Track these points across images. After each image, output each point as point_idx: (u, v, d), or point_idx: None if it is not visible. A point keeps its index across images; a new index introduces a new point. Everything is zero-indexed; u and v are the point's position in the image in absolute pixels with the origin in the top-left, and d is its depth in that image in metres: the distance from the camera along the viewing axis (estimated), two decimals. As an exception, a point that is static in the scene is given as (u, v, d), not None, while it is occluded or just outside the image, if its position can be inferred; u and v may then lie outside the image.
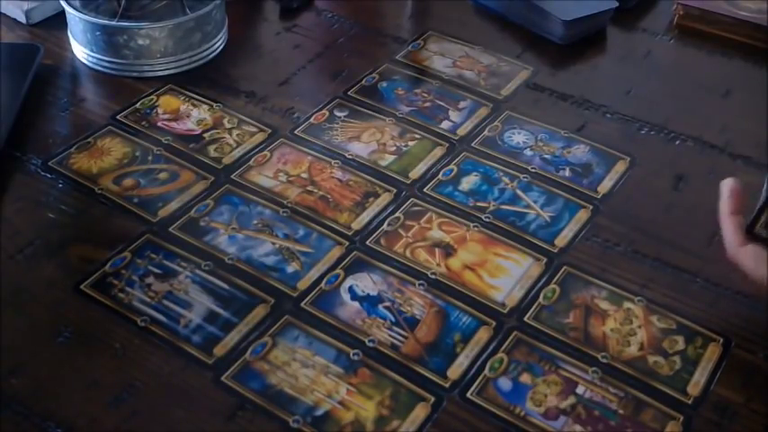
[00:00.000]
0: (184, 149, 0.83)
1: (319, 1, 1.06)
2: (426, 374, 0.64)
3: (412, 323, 0.67)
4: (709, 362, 0.65)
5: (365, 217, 0.76)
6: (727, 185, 0.66)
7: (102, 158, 0.81)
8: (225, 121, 0.86)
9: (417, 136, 0.85)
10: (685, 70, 0.98)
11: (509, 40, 1.01)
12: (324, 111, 0.88)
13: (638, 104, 0.91)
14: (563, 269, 0.72)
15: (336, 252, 0.73)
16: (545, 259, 0.73)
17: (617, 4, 1.01)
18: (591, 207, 0.78)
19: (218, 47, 0.95)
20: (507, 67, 0.96)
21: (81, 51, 0.93)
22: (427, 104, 0.90)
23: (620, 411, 0.62)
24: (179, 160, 0.81)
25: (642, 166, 0.83)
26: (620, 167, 0.83)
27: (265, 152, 0.83)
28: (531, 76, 0.95)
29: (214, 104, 0.88)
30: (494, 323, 0.68)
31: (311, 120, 0.87)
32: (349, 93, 0.91)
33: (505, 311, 0.69)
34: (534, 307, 0.69)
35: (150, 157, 0.82)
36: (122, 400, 0.61)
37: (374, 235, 0.75)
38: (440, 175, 0.81)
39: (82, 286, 0.69)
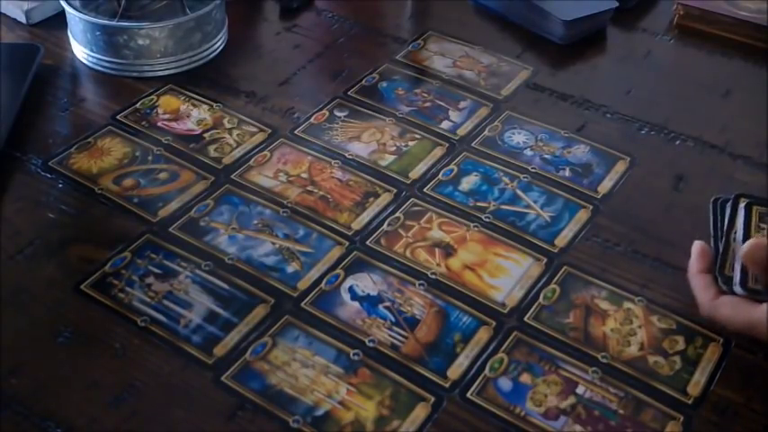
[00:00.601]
0: (184, 149, 0.83)
1: (319, 1, 1.06)
2: (426, 374, 0.64)
3: (412, 323, 0.67)
4: (709, 362, 0.65)
5: (365, 217, 0.76)
6: (696, 247, 0.68)
7: (102, 158, 0.81)
8: (225, 121, 0.86)
9: (417, 136, 0.85)
10: (685, 70, 0.98)
11: (509, 40, 1.01)
12: (324, 111, 0.88)
13: (638, 104, 0.91)
14: (563, 269, 0.72)
15: (336, 252, 0.73)
16: (545, 259, 0.73)
17: (617, 4, 1.01)
18: (591, 207, 0.78)
19: (218, 47, 0.95)
20: (507, 67, 0.96)
21: (81, 51, 0.93)
22: (427, 104, 0.90)
23: (620, 411, 0.62)
24: (179, 160, 0.81)
25: (642, 166, 0.83)
26: (620, 167, 0.83)
27: (265, 152, 0.83)
28: (531, 76, 0.95)
29: (214, 104, 0.88)
30: (494, 323, 0.68)
31: (311, 120, 0.87)
32: (349, 93, 0.91)
33: (505, 311, 0.69)
34: (534, 307, 0.69)
35: (150, 157, 0.82)
36: (122, 400, 0.61)
37: (374, 235, 0.75)
38: (440, 175, 0.81)
39: (82, 286, 0.69)
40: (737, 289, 0.64)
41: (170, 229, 0.74)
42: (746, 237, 0.66)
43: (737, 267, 0.64)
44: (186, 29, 0.91)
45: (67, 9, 0.91)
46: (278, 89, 0.91)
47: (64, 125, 0.85)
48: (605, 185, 0.81)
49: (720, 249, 0.67)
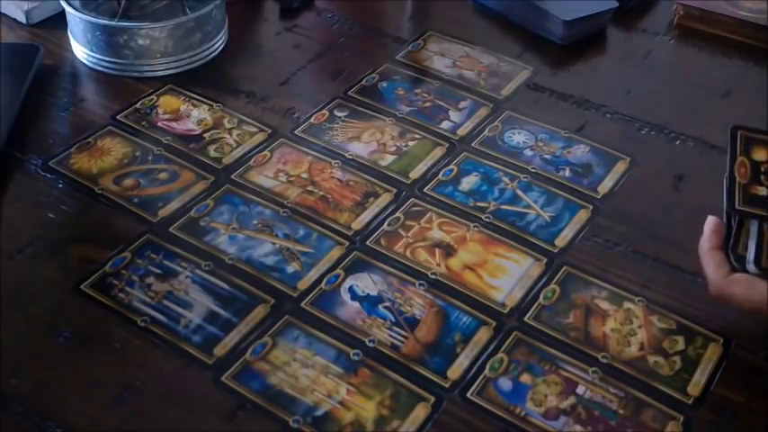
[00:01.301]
0: (184, 149, 0.83)
1: (319, 1, 1.06)
2: (426, 374, 0.64)
3: (412, 323, 0.67)
4: (709, 362, 0.65)
5: (365, 217, 0.76)
6: (709, 223, 0.66)
7: (102, 158, 0.81)
8: (225, 121, 0.86)
9: (417, 136, 0.85)
10: (685, 70, 0.98)
11: (509, 40, 1.01)
12: (324, 111, 0.88)
13: (638, 104, 0.91)
14: (563, 269, 0.72)
15: (336, 252, 0.73)
16: (545, 259, 0.73)
17: (617, 4, 1.01)
18: (591, 207, 0.78)
19: (218, 47, 0.95)
20: (507, 67, 0.96)
21: (81, 51, 0.93)
22: (427, 104, 0.90)
23: (620, 411, 0.62)
24: (179, 160, 0.81)
25: (642, 166, 0.83)
26: (620, 167, 0.83)
27: (265, 152, 0.83)
28: (531, 76, 0.95)
29: (214, 104, 0.88)
30: (494, 323, 0.68)
31: (311, 120, 0.87)
32: (349, 93, 0.91)
33: (506, 311, 0.69)
34: (534, 307, 0.69)
35: (150, 157, 0.82)
36: (122, 400, 0.61)
37: (374, 235, 0.75)
38: (440, 176, 0.81)
39: (82, 286, 0.69)
40: (751, 267, 0.62)
41: (170, 229, 0.74)
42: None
43: (752, 245, 0.63)
44: (186, 29, 0.91)
45: (67, 9, 0.91)
46: (278, 89, 0.91)
47: (64, 125, 0.86)
48: (605, 185, 0.81)
49: (734, 226, 0.65)
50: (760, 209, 0.65)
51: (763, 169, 0.67)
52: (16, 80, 0.87)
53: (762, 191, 0.66)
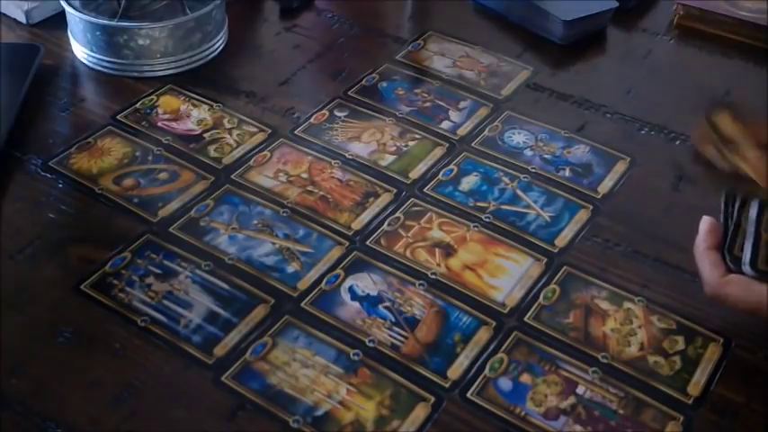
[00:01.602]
0: (184, 149, 0.83)
1: (319, 1, 1.06)
2: (426, 374, 0.64)
3: (412, 323, 0.67)
4: (709, 362, 0.65)
5: (365, 217, 0.76)
6: (705, 223, 0.66)
7: (102, 158, 0.81)
8: (225, 121, 0.86)
9: (417, 136, 0.85)
10: (685, 70, 0.98)
11: (509, 40, 1.01)
12: (324, 111, 0.88)
13: (638, 104, 0.91)
14: (563, 269, 0.72)
15: (336, 252, 0.73)
16: (545, 259, 0.73)
17: (617, 4, 1.01)
18: (591, 207, 0.78)
19: (218, 47, 0.95)
20: (507, 67, 0.96)
21: (81, 51, 0.93)
22: (427, 104, 0.90)
23: (620, 411, 0.62)
24: (179, 160, 0.81)
25: (642, 166, 0.83)
26: (620, 167, 0.83)
27: (265, 152, 0.83)
28: (531, 76, 0.95)
29: (214, 104, 0.88)
30: (494, 323, 0.68)
31: (311, 120, 0.87)
32: (349, 93, 0.91)
33: (506, 311, 0.69)
34: (534, 307, 0.69)
35: (150, 157, 0.82)
36: (122, 400, 0.61)
37: (374, 235, 0.75)
38: (440, 175, 0.81)
39: (82, 286, 0.69)
40: (747, 269, 0.62)
41: (170, 229, 0.74)
42: (761, 213, 0.64)
43: (748, 247, 0.63)
44: (186, 29, 0.91)
45: (67, 9, 0.91)
46: (278, 89, 0.91)
47: (64, 125, 0.86)
48: (605, 185, 0.81)
49: (730, 227, 0.65)
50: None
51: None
52: (16, 80, 0.87)
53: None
